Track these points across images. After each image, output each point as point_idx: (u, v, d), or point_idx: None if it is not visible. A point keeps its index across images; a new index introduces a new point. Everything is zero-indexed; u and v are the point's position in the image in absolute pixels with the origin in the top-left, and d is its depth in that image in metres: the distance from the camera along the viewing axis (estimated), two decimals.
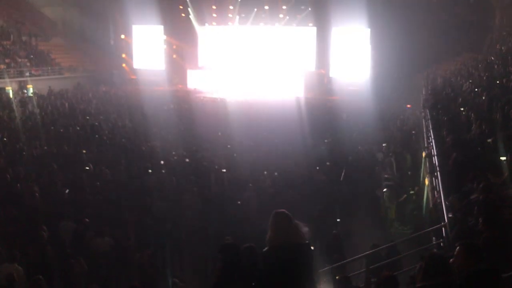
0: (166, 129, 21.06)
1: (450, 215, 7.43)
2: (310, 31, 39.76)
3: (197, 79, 40.71)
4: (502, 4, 32.44)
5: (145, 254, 9.58)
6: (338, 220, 12.24)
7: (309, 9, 38.52)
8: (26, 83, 35.00)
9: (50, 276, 8.94)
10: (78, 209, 10.99)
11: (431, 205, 10.39)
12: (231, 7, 40.32)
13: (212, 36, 41.82)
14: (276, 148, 17.29)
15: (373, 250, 8.74)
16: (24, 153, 15.87)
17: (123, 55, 43.63)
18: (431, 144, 12.77)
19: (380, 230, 12.79)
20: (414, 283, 5.24)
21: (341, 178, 14.67)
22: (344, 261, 8.85)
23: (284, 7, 39.24)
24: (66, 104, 27.64)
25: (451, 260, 4.70)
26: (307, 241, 4.64)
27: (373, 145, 18.66)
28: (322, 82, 38.80)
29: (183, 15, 41.93)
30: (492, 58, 23.15)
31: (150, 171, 13.92)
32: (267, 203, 11.09)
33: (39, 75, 36.81)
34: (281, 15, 39.82)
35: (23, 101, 28.80)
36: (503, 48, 24.09)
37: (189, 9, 40.38)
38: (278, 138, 18.56)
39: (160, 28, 42.27)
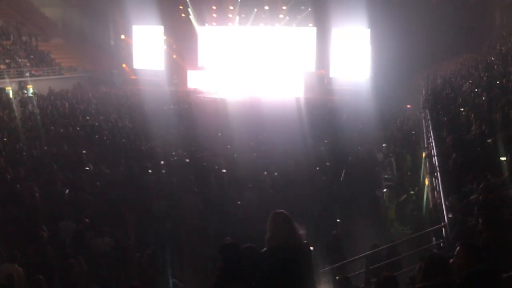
0: (166, 129, 21.06)
1: (450, 216, 7.43)
2: (310, 32, 39.75)
3: (197, 79, 40.68)
4: (502, 4, 32.44)
5: (145, 254, 9.58)
6: (338, 220, 12.25)
7: (309, 9, 38.48)
8: (26, 83, 35.03)
9: (50, 276, 8.93)
10: (78, 209, 11.00)
11: (431, 206, 10.39)
12: (231, 7, 40.31)
13: (212, 37, 41.79)
14: (276, 148, 17.28)
15: (373, 251, 8.75)
16: (24, 153, 15.87)
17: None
18: (431, 144, 12.78)
19: (380, 230, 12.78)
20: (414, 283, 5.24)
21: (341, 178, 14.68)
22: (344, 261, 8.85)
23: (284, 7, 39.22)
24: (66, 104, 27.64)
25: (451, 260, 4.71)
26: (305, 241, 4.65)
27: (373, 146, 18.65)
28: (322, 82, 38.75)
29: (183, 15, 41.93)
30: (492, 58, 23.16)
31: (150, 171, 13.93)
32: (267, 203, 11.08)
33: (39, 75, 36.84)
34: (281, 16, 39.80)
35: (23, 101, 28.83)
36: (503, 48, 24.09)
37: (189, 9, 40.37)
38: (278, 138, 18.55)
39: (160, 28, 42.25)
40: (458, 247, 4.66)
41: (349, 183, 14.36)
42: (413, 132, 19.73)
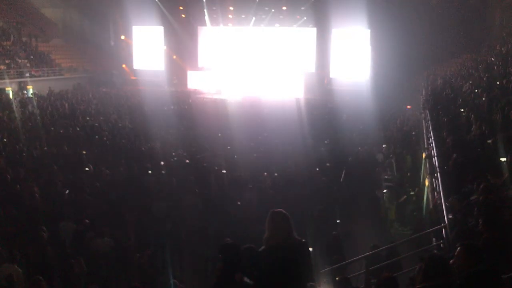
0: (166, 130, 21.06)
1: (450, 216, 7.43)
2: (310, 32, 39.78)
3: (197, 80, 40.68)
4: (502, 5, 32.44)
5: (145, 254, 9.58)
6: (338, 221, 12.25)
7: (309, 10, 38.47)
8: (26, 83, 34.99)
9: (50, 277, 8.93)
10: (78, 209, 10.99)
11: (431, 206, 10.38)
12: (231, 8, 40.31)
13: (212, 37, 41.80)
14: (276, 149, 17.28)
15: (373, 251, 8.74)
16: (24, 153, 15.86)
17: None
18: (431, 145, 12.77)
19: (380, 231, 12.78)
20: (414, 284, 5.24)
21: (341, 179, 14.68)
22: (344, 262, 8.85)
23: (284, 8, 39.22)
24: (66, 105, 27.63)
25: (451, 261, 4.71)
26: (304, 240, 4.64)
27: (373, 146, 18.66)
28: (322, 83, 38.78)
29: (183, 16, 41.95)
30: (492, 59, 23.15)
31: (150, 171, 13.93)
32: (267, 203, 11.08)
33: (39, 76, 36.82)
34: (281, 16, 39.79)
35: (23, 101, 28.81)
36: (503, 49, 24.08)
37: (205, 10, 40.32)
38: (278, 139, 18.56)
39: (160, 29, 42.27)
40: (458, 248, 4.65)
41: (349, 183, 14.37)
42: (413, 133, 19.74)
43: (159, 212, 11.34)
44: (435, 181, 10.08)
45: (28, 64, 37.05)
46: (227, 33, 41.49)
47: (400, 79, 31.99)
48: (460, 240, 5.58)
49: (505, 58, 20.64)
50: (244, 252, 4.91)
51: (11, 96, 31.34)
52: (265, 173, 13.89)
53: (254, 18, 39.92)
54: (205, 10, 40.39)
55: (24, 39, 39.63)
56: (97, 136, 18.81)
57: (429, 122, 15.21)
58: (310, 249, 4.85)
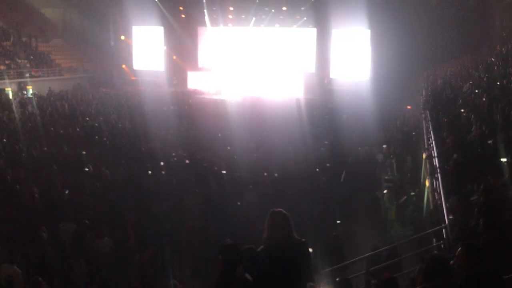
0: (166, 130, 21.05)
1: (450, 217, 7.42)
2: (310, 33, 39.80)
3: (197, 80, 40.69)
4: (502, 5, 32.44)
5: (145, 255, 9.58)
6: (338, 221, 12.24)
7: (309, 10, 38.46)
8: (26, 84, 34.97)
9: (50, 277, 8.93)
10: (78, 210, 10.98)
11: (431, 207, 10.37)
12: (231, 8, 40.31)
13: (212, 37, 41.81)
14: (276, 149, 17.27)
15: (373, 252, 8.73)
16: (23, 154, 15.85)
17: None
18: (431, 145, 12.77)
19: (380, 231, 12.78)
20: (414, 285, 5.23)
21: (341, 179, 14.67)
22: (344, 262, 8.84)
23: (284, 8, 39.21)
24: (66, 105, 27.61)
25: (451, 261, 4.70)
26: (304, 240, 4.63)
27: (373, 146, 18.65)
28: (322, 83, 38.78)
29: (183, 16, 41.95)
30: (492, 59, 23.15)
31: (150, 172, 13.91)
32: (267, 204, 11.06)
33: (39, 76, 36.80)
34: (281, 17, 39.79)
35: (23, 102, 28.80)
36: (503, 49, 24.08)
37: (205, 10, 40.32)
38: (278, 139, 18.54)
39: (160, 29, 42.28)
40: (459, 248, 4.65)
41: (349, 184, 14.35)
42: (414, 133, 19.73)
43: (159, 213, 11.32)
44: (436, 182, 10.07)
45: (28, 64, 37.03)
46: (227, 33, 41.48)
47: (400, 80, 31.98)
48: (460, 240, 5.57)
49: (505, 59, 20.63)
50: (244, 252, 4.90)
51: (11, 97, 31.32)
52: (265, 173, 13.88)
53: (254, 19, 39.91)
54: (205, 11, 40.37)
55: (24, 39, 39.61)
56: (97, 137, 18.80)
57: (429, 122, 15.19)
58: (310, 249, 4.84)
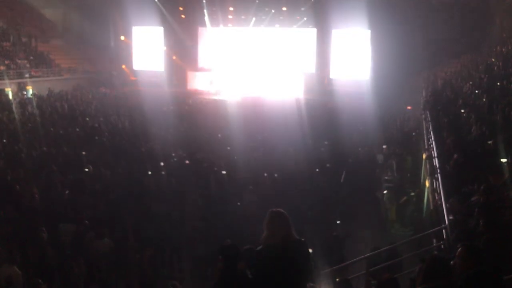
0: (166, 130, 21.04)
1: (450, 217, 7.41)
2: (310, 33, 39.81)
3: (197, 81, 40.68)
4: (502, 6, 32.44)
5: (145, 254, 9.57)
6: (338, 222, 12.23)
7: (309, 11, 38.46)
8: (25, 84, 34.97)
9: (50, 278, 8.92)
10: (78, 210, 10.97)
11: (431, 207, 10.37)
12: (231, 9, 40.31)
13: (212, 38, 41.82)
14: (276, 149, 17.25)
15: (374, 252, 8.72)
16: (23, 154, 15.84)
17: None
18: (431, 146, 12.76)
19: (381, 232, 12.77)
20: (414, 285, 5.22)
21: (341, 180, 14.66)
22: (344, 263, 8.83)
23: (284, 8, 39.22)
24: (66, 106, 27.60)
25: (452, 262, 4.69)
26: (303, 240, 4.62)
27: (373, 147, 18.64)
28: (322, 84, 38.81)
29: (183, 16, 41.94)
30: (493, 59, 23.14)
31: (149, 172, 13.90)
32: (267, 204, 11.05)
33: (38, 77, 36.78)
34: (281, 17, 39.79)
35: (23, 102, 28.79)
36: (503, 49, 24.07)
37: (205, 11, 40.33)
38: (278, 139, 18.53)
39: (160, 29, 42.27)
40: (459, 249, 4.64)
41: (350, 184, 14.34)
42: (414, 134, 19.73)
43: (158, 213, 11.31)
44: (436, 182, 10.07)
45: (27, 65, 37.02)
46: (227, 33, 41.49)
47: (400, 80, 31.98)
48: (460, 241, 5.56)
49: (505, 59, 20.63)
50: (244, 253, 4.89)
51: (10, 97, 31.32)
52: (265, 174, 13.87)
53: (254, 19, 39.92)
54: (205, 11, 40.41)
55: (23, 39, 39.61)
56: (96, 137, 18.78)
57: (430, 123, 15.19)
58: (310, 250, 4.82)
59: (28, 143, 17.54)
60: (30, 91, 33.97)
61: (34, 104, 28.00)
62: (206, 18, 40.86)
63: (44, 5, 43.86)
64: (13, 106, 26.40)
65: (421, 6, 35.18)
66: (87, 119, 23.32)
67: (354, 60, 38.08)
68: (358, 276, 8.44)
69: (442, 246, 7.33)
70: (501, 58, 21.85)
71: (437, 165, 10.63)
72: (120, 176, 13.79)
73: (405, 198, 13.76)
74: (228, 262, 4.81)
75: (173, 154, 16.58)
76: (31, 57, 38.35)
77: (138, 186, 12.71)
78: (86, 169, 14.03)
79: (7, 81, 33.22)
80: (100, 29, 44.52)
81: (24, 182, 12.57)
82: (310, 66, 39.76)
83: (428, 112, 16.93)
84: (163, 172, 14.17)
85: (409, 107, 27.18)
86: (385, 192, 14.40)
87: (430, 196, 11.14)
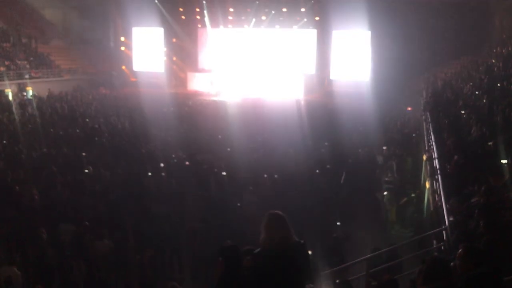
0: (166, 132, 21.04)
1: (451, 218, 7.41)
2: (310, 34, 39.81)
3: (197, 82, 40.67)
4: (502, 7, 32.45)
5: (145, 255, 9.57)
6: (338, 223, 12.22)
7: (310, 11, 38.46)
8: (25, 85, 34.94)
9: (50, 279, 8.92)
10: (78, 211, 10.97)
11: (432, 208, 10.36)
12: (231, 10, 40.33)
13: (212, 39, 41.82)
14: (277, 150, 17.25)
15: (374, 254, 8.71)
16: (23, 155, 15.84)
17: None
18: (431, 147, 12.76)
19: (381, 233, 12.77)
20: (414, 286, 5.22)
21: (342, 181, 14.65)
22: (345, 264, 8.82)
23: (284, 9, 39.22)
24: (66, 107, 27.60)
25: (452, 263, 4.69)
26: (302, 241, 4.61)
27: (373, 148, 18.64)
28: (322, 85, 38.82)
29: (183, 17, 41.95)
30: (493, 60, 23.15)
31: (149, 173, 13.90)
32: (267, 205, 11.04)
33: (38, 77, 36.77)
34: (281, 18, 39.78)
35: (23, 103, 28.78)
36: (503, 50, 24.08)
37: (205, 11, 40.36)
38: (278, 140, 18.52)
39: (160, 30, 42.27)
40: (460, 250, 4.64)
41: (350, 185, 14.33)
42: (414, 135, 19.73)
43: (158, 214, 11.31)
44: (436, 183, 10.06)
45: (27, 66, 37.01)
46: (227, 34, 41.48)
47: (400, 81, 31.99)
48: (461, 242, 5.56)
49: (505, 60, 20.64)
50: (245, 253, 4.88)
51: (10, 98, 31.30)
52: (265, 175, 13.86)
53: (254, 20, 39.90)
54: (205, 12, 40.40)
55: (23, 40, 39.60)
56: (96, 138, 18.78)
57: (430, 124, 15.19)
58: (309, 251, 4.82)
59: (28, 144, 17.55)
60: (30, 92, 33.95)
61: (34, 105, 27.99)
62: (206, 19, 40.85)
63: (44, 6, 43.90)
64: (13, 107, 26.38)
65: (421, 7, 35.17)
66: (87, 120, 23.31)
67: (354, 61, 38.07)
68: (358, 277, 8.44)
69: (442, 247, 7.33)
70: (501, 59, 21.87)
71: (437, 166, 10.63)
72: (120, 177, 13.79)
73: (405, 199, 13.75)
74: (228, 263, 4.80)
75: (173, 155, 16.58)
76: (31, 58, 38.35)
77: (138, 187, 12.72)
78: (86, 170, 14.03)
79: (7, 82, 33.20)
80: (100, 30, 44.56)
81: (24, 183, 12.56)
82: (310, 67, 39.75)
83: (428, 113, 16.93)
84: (163, 173, 14.17)
85: (409, 108, 27.17)
86: (385, 193, 14.40)
87: (430, 197, 11.14)
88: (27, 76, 35.57)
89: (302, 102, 30.23)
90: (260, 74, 38.88)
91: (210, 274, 9.73)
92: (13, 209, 10.85)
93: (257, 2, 38.91)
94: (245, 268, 4.69)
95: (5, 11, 40.56)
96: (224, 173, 14.16)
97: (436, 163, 11.02)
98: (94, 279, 9.43)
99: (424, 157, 13.68)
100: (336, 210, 12.45)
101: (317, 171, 14.61)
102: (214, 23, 41.01)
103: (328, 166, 15.24)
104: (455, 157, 9.61)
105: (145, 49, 43.39)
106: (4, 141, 17.89)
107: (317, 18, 38.53)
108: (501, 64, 20.27)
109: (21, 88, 34.66)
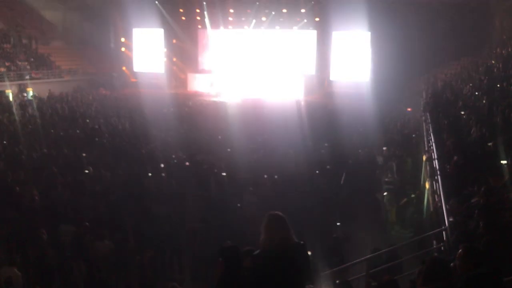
0: (166, 132, 21.05)
1: (450, 219, 7.41)
2: (310, 35, 39.81)
3: (197, 82, 40.68)
4: (502, 8, 32.46)
5: (146, 256, 9.57)
6: (338, 223, 12.22)
7: (310, 12, 38.46)
8: (26, 86, 35.01)
9: (50, 279, 8.93)
10: (78, 212, 10.98)
11: (431, 209, 10.37)
12: (231, 11, 40.34)
13: (213, 39, 41.84)
14: (277, 151, 17.26)
15: (374, 254, 8.72)
16: (23, 156, 15.86)
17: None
18: (431, 147, 12.76)
19: (381, 233, 12.77)
20: (414, 287, 5.23)
21: (342, 181, 14.66)
22: (345, 265, 8.83)
23: (284, 10, 39.22)
24: (66, 107, 27.62)
25: (452, 263, 4.70)
26: (302, 242, 4.61)
27: (373, 149, 18.64)
28: (322, 85, 38.82)
29: (183, 18, 41.95)
30: (493, 61, 23.16)
31: (150, 174, 13.91)
32: (267, 206, 11.05)
33: (39, 78, 36.81)
34: (281, 19, 39.77)
35: (23, 104, 28.81)
36: (503, 51, 24.09)
37: (205, 13, 40.37)
38: (279, 141, 18.53)
39: (161, 31, 42.28)
40: (459, 250, 4.65)
41: (350, 186, 14.34)
42: (414, 135, 19.73)
43: (159, 215, 11.32)
44: (436, 184, 10.06)
45: (28, 67, 37.05)
46: (227, 35, 41.49)
47: (400, 82, 31.99)
48: (460, 243, 5.56)
49: (505, 61, 20.65)
50: (245, 254, 4.88)
51: (11, 99, 31.33)
52: (265, 175, 13.87)
53: (254, 21, 39.91)
54: (205, 13, 40.41)
55: (24, 41, 39.63)
56: (97, 139, 18.79)
57: (430, 124, 15.20)
58: (309, 252, 4.82)
59: (29, 144, 17.56)
60: (31, 93, 34.00)
61: (35, 106, 28.03)
62: (207, 20, 40.85)
63: (44, 7, 43.89)
64: (14, 108, 26.42)
65: (421, 8, 35.18)
66: (88, 120, 23.33)
67: (354, 62, 38.07)
68: (358, 278, 8.44)
69: (442, 248, 7.33)
70: (501, 60, 21.87)
71: (437, 166, 10.63)
72: (120, 178, 13.81)
73: (405, 199, 13.75)
74: (228, 263, 4.81)
75: (173, 156, 16.59)
76: (32, 59, 38.39)
77: (138, 187, 12.72)
78: (87, 171, 14.04)
79: (7, 83, 33.24)
80: (101, 31, 44.58)
81: (24, 184, 12.57)
82: (310, 68, 39.74)
83: (428, 114, 16.93)
84: (163, 174, 14.18)
85: (409, 109, 27.17)
86: (385, 193, 14.40)
87: (430, 198, 11.14)
88: (27, 77, 35.62)
89: (302, 103, 30.24)
90: (260, 75, 38.88)
91: (210, 275, 9.72)
92: (13, 209, 10.86)
93: (257, 3, 38.91)
94: (245, 269, 4.70)
95: (5, 10, 40.58)
96: (224, 174, 14.17)
97: (436, 163, 11.02)
98: (94, 279, 9.44)
99: (424, 158, 13.68)
100: (336, 210, 12.45)
101: (317, 171, 14.61)
102: (214, 24, 41.00)
103: (328, 166, 15.25)
104: (455, 157, 9.62)
105: (146, 50, 43.40)
106: (5, 142, 17.91)
107: (317, 19, 38.54)
108: (501, 65, 20.27)
109: (22, 89, 34.71)
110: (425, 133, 16.10)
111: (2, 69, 34.36)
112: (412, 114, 25.60)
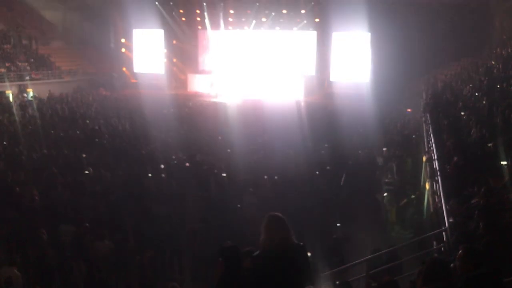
0: (166, 133, 21.06)
1: (450, 220, 7.41)
2: (310, 36, 39.82)
3: (197, 83, 40.68)
4: (502, 8, 32.47)
5: (146, 256, 9.57)
6: (338, 224, 12.22)
7: (310, 13, 38.47)
8: (26, 86, 35.00)
9: (50, 279, 8.93)
10: (78, 212, 10.98)
11: (431, 210, 10.37)
12: (231, 11, 40.35)
13: (213, 40, 41.83)
14: (277, 152, 17.26)
15: (374, 255, 8.72)
16: (23, 156, 15.86)
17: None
18: (431, 148, 12.76)
19: (381, 234, 12.76)
20: (414, 287, 5.22)
21: (342, 182, 14.66)
22: (345, 265, 8.83)
23: (284, 11, 39.23)
24: (66, 108, 27.63)
25: (452, 264, 4.70)
26: (302, 244, 4.62)
27: (373, 149, 18.64)
28: (322, 86, 38.83)
29: (183, 19, 41.96)
30: (493, 62, 23.16)
31: (150, 174, 13.91)
32: (267, 206, 11.05)
33: (39, 79, 36.81)
34: (281, 20, 39.77)
35: (23, 104, 28.81)
36: (503, 52, 24.09)
37: (205, 13, 40.39)
38: (279, 142, 18.54)
39: (161, 32, 42.28)
40: (459, 251, 4.65)
41: (350, 186, 14.34)
42: (414, 136, 19.74)
43: (159, 215, 11.32)
44: (436, 185, 10.06)
45: (28, 67, 37.05)
46: (227, 36, 41.48)
47: (400, 82, 31.98)
48: (461, 243, 5.57)
49: (505, 62, 20.64)
50: (245, 254, 4.89)
51: (11, 99, 31.34)
52: (265, 176, 13.87)
53: (254, 21, 39.91)
54: (206, 13, 40.41)
55: (24, 42, 39.63)
56: (97, 139, 18.80)
57: (430, 125, 15.20)
58: (309, 253, 4.82)
59: (29, 145, 17.57)
60: (31, 94, 34.01)
61: (35, 106, 28.03)
62: (207, 20, 40.82)
63: (44, 7, 43.88)
64: (14, 109, 26.43)
65: (420, 9, 35.18)
66: (88, 121, 23.34)
67: (354, 62, 38.04)
68: (358, 279, 8.44)
69: (442, 248, 7.34)
70: (501, 60, 21.87)
71: (437, 167, 10.62)
72: (120, 178, 13.81)
73: (405, 200, 13.74)
74: (228, 263, 4.81)
75: (173, 156, 16.60)
76: (32, 60, 38.39)
77: (138, 188, 12.73)
78: (87, 171, 14.04)
79: (7, 84, 33.25)
80: (101, 32, 44.57)
81: (24, 184, 12.58)
82: (310, 68, 39.72)
83: (428, 115, 16.93)
84: (163, 174, 14.19)
85: (409, 110, 27.18)
86: (385, 194, 14.40)
87: (430, 199, 11.14)
88: (27, 78, 35.63)
89: (302, 104, 30.25)
90: (260, 75, 38.87)
91: (210, 275, 9.72)
92: (13, 210, 10.87)
93: (257, 4, 38.91)
94: (245, 269, 4.70)
95: (6, 12, 40.59)
96: (224, 174, 14.17)
97: (436, 164, 11.02)
98: (94, 280, 9.44)
99: (424, 159, 13.68)
100: (336, 211, 12.45)
101: (317, 172, 14.61)
102: (215, 25, 40.98)
103: (328, 167, 15.25)
104: (455, 158, 9.62)
105: (146, 51, 43.37)
106: (5, 142, 17.92)
107: (317, 20, 38.54)
108: (501, 66, 20.27)
109: (22, 90, 34.71)
110: (425, 134, 16.09)
111: (2, 70, 34.37)
112: (412, 115, 25.61)
